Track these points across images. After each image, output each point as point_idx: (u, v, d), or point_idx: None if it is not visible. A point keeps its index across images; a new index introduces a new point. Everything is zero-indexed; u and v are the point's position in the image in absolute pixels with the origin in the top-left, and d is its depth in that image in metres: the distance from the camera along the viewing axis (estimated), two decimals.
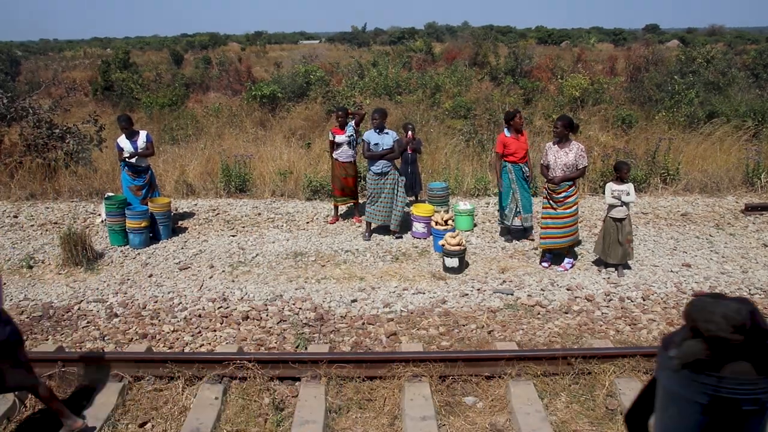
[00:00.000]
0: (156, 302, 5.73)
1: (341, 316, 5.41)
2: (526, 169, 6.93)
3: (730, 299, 0.72)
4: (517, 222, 7.01)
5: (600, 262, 6.42)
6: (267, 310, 5.55)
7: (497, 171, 6.99)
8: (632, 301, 5.63)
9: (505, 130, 6.84)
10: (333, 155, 7.64)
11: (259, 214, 8.34)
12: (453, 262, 6.24)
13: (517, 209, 6.94)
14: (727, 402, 0.66)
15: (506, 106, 13.66)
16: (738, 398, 0.66)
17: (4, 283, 6.25)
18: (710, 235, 7.36)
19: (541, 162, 6.33)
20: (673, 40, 45.30)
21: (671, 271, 6.28)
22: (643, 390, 0.77)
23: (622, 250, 6.09)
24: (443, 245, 6.28)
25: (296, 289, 5.96)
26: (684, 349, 0.70)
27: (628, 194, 5.98)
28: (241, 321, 5.35)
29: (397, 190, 7.12)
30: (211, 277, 6.30)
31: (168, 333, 5.17)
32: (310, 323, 5.29)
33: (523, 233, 7.23)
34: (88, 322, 5.39)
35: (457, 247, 6.20)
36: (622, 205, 6.01)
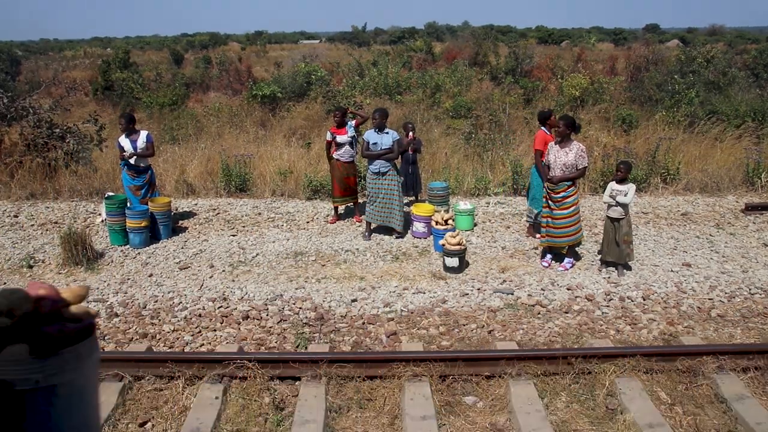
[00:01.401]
0: (156, 302, 5.73)
1: (341, 316, 5.41)
2: None
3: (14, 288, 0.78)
4: None
5: (601, 261, 6.42)
6: (267, 309, 5.55)
7: (542, 168, 6.88)
8: (632, 301, 5.63)
9: (543, 129, 6.86)
10: (334, 155, 7.62)
11: (260, 213, 8.34)
12: (453, 261, 6.24)
13: None
14: (2, 383, 0.73)
15: (506, 106, 13.66)
16: (11, 379, 0.73)
17: (5, 283, 6.25)
18: (710, 235, 7.36)
19: (543, 161, 6.34)
20: (673, 39, 45.25)
21: (671, 270, 6.28)
22: None
23: (619, 251, 6.07)
24: (443, 245, 6.28)
25: (296, 289, 5.96)
26: None
27: (625, 195, 5.95)
28: (241, 321, 5.35)
29: (396, 191, 7.12)
30: (211, 277, 6.30)
31: (168, 332, 5.18)
32: (311, 323, 5.29)
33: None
34: None
35: (458, 247, 6.20)
36: (617, 205, 5.99)
